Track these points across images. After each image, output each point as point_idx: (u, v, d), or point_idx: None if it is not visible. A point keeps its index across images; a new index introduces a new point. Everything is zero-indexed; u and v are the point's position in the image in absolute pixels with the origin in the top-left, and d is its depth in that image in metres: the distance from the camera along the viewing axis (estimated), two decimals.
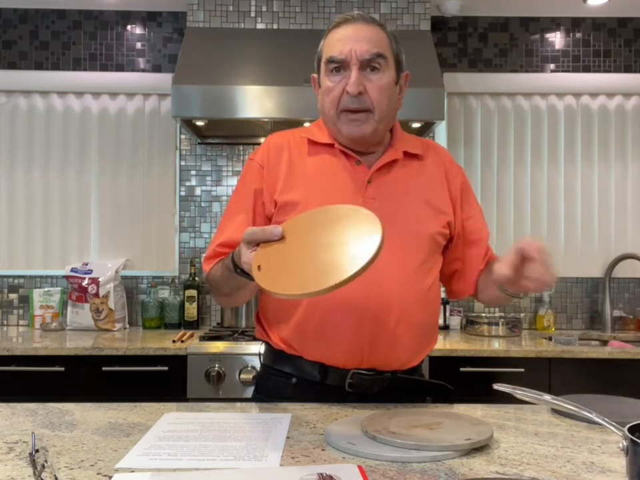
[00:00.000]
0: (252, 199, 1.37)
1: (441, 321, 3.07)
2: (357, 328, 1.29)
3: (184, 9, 3.01)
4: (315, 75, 1.41)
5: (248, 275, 1.13)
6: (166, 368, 2.47)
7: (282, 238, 1.06)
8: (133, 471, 0.92)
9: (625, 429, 0.81)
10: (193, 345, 2.51)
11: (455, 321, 3.10)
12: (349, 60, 1.29)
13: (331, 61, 1.32)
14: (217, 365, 2.43)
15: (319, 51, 1.38)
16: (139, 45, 3.23)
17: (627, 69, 3.26)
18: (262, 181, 1.38)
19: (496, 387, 1.01)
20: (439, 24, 3.22)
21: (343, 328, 1.29)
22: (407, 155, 1.41)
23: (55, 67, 3.20)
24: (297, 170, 1.37)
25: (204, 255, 1.44)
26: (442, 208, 1.39)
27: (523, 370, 2.51)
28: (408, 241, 1.33)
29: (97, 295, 2.94)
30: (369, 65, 1.30)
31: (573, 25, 3.27)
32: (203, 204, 3.20)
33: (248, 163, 1.44)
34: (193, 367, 2.44)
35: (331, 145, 1.38)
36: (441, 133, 3.23)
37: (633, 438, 0.79)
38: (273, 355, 1.41)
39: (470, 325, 2.98)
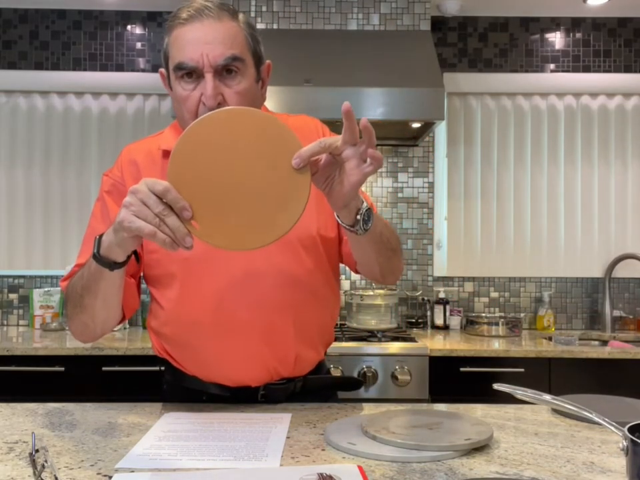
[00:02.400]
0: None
1: (440, 321, 3.07)
2: (258, 353, 1.25)
3: None
4: (164, 71, 1.25)
5: (116, 264, 1.04)
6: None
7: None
8: (132, 471, 0.92)
9: (625, 429, 0.81)
10: None
11: (455, 321, 3.10)
12: (202, 67, 1.14)
13: (180, 67, 1.15)
14: None
15: (165, 49, 1.21)
16: (138, 45, 3.23)
17: (627, 69, 3.26)
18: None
19: (496, 386, 1.01)
20: (439, 24, 3.22)
21: (244, 356, 1.25)
22: None
23: (55, 67, 3.20)
24: None
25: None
26: (318, 198, 1.12)
27: (522, 370, 2.51)
28: (282, 246, 1.14)
29: None
30: (224, 69, 1.15)
31: (572, 24, 3.27)
32: None
33: (104, 180, 1.29)
34: None
35: None
36: (440, 132, 3.23)
37: (633, 438, 0.79)
38: (177, 374, 1.34)
39: (470, 324, 2.98)
